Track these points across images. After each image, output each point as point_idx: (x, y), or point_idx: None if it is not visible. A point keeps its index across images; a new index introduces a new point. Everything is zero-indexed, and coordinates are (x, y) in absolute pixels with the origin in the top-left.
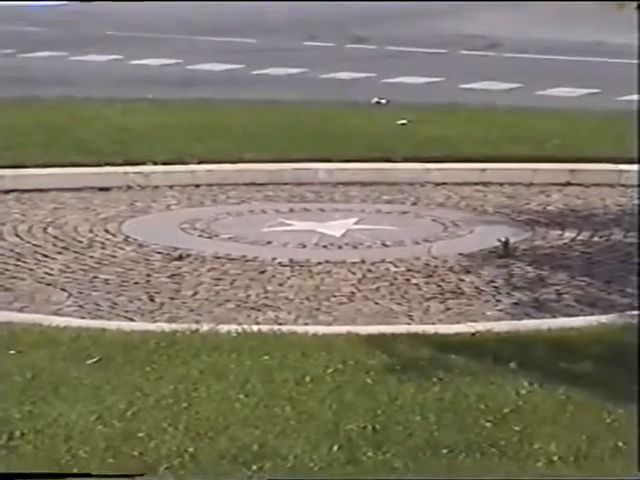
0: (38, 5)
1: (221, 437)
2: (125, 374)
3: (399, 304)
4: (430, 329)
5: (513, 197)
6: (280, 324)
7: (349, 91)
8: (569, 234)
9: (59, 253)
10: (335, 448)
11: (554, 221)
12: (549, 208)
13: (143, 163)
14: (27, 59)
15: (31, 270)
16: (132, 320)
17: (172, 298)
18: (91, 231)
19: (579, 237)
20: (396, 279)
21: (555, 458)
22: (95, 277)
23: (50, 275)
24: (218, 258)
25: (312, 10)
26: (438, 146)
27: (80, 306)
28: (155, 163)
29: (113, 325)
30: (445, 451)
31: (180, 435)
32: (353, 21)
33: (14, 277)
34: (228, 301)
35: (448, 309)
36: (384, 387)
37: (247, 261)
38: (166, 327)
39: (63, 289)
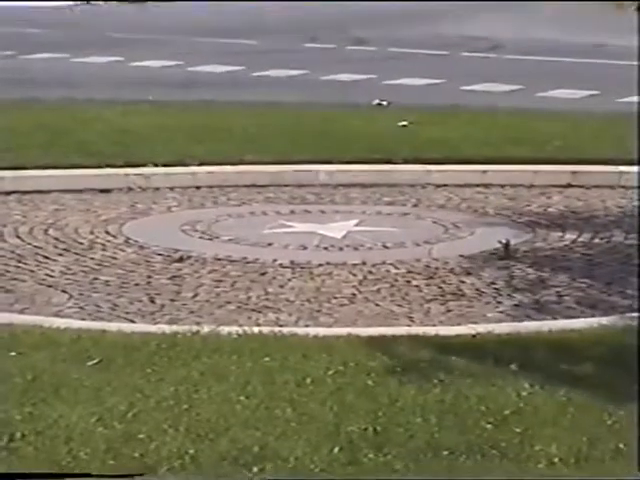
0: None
1: (222, 439)
2: (126, 376)
3: (400, 306)
4: (431, 331)
5: (514, 199)
6: (281, 326)
7: (350, 93)
8: (570, 236)
9: (60, 255)
10: (336, 450)
11: (555, 223)
12: (550, 210)
13: (144, 165)
14: (28, 60)
15: (32, 272)
16: (133, 322)
17: (173, 300)
18: (92, 233)
19: (580, 239)
20: (397, 281)
21: (556, 460)
22: (96, 279)
23: (51, 277)
24: (219, 260)
25: (313, 11)
26: (439, 148)
27: (81, 308)
28: (156, 165)
29: (114, 327)
30: (446, 453)
31: (181, 437)
32: (354, 22)
33: (15, 279)
34: (229, 303)
35: (449, 311)
36: (385, 389)
37: (248, 263)
38: (167, 329)
39: (64, 291)
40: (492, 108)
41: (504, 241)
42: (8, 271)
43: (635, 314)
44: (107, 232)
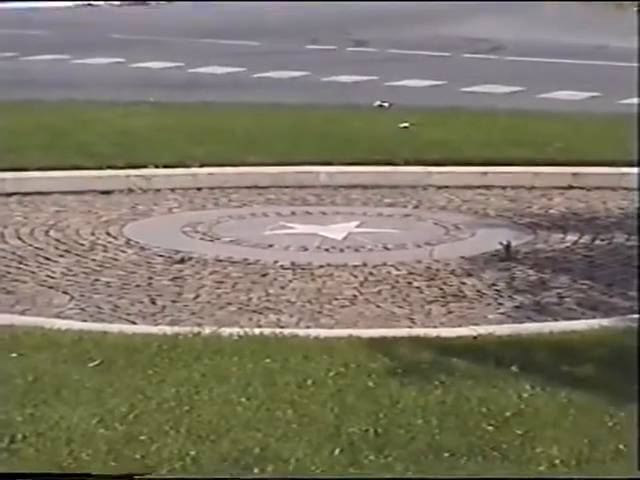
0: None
1: (223, 440)
2: (127, 377)
3: (401, 307)
4: (432, 332)
5: (515, 200)
6: (282, 327)
7: (351, 94)
8: (571, 237)
9: (61, 256)
10: (337, 451)
11: (556, 224)
12: (551, 211)
13: (145, 166)
14: (29, 62)
15: (33, 273)
16: (134, 323)
17: (174, 301)
18: (93, 234)
19: (581, 240)
20: (398, 282)
21: (557, 461)
22: (97, 280)
23: (52, 278)
24: (220, 261)
25: (314, 12)
26: (440, 149)
27: (82, 309)
28: (157, 166)
29: (115, 328)
30: (447, 454)
31: (182, 438)
32: (355, 24)
33: (16, 280)
34: (230, 304)
35: (450, 312)
36: (386, 390)
37: (249, 264)
38: (168, 330)
39: (65, 292)
40: (493, 109)
41: (505, 243)
42: (9, 272)
43: (636, 315)
44: (108, 233)
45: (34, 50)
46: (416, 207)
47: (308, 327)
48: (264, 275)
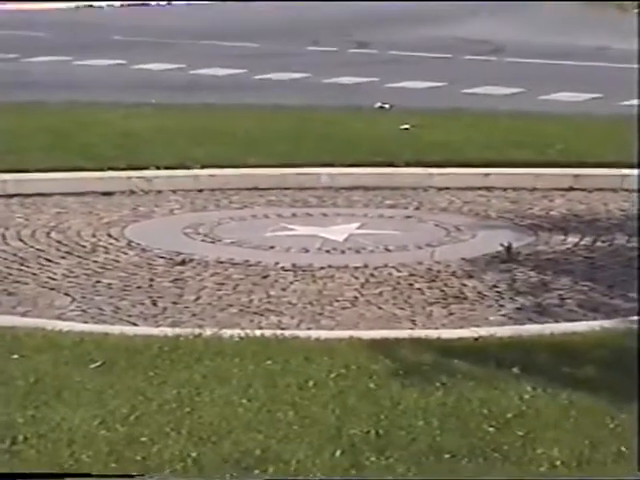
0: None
1: (224, 442)
2: (128, 378)
3: (402, 309)
4: (433, 334)
5: (516, 202)
6: (283, 329)
7: (352, 96)
8: (572, 239)
9: (62, 258)
10: (338, 453)
11: (557, 226)
12: (552, 213)
13: (146, 168)
14: (30, 63)
15: (34, 274)
16: (135, 325)
17: (175, 303)
18: (94, 236)
19: (582, 242)
20: (399, 284)
21: (558, 463)
22: (98, 282)
23: (53, 279)
24: (221, 263)
25: (314, 14)
26: (441, 151)
27: (83, 310)
28: (158, 168)
29: (116, 329)
30: (448, 456)
31: (183, 440)
32: (356, 25)
33: (17, 281)
34: (231, 306)
35: (451, 314)
36: (387, 392)
37: (250, 266)
38: (169, 332)
39: (66, 293)
40: (494, 111)
41: (506, 244)
42: (10, 274)
43: (636, 317)
44: (109, 235)
45: (35, 52)
46: (417, 209)
47: (309, 329)
48: (265, 277)
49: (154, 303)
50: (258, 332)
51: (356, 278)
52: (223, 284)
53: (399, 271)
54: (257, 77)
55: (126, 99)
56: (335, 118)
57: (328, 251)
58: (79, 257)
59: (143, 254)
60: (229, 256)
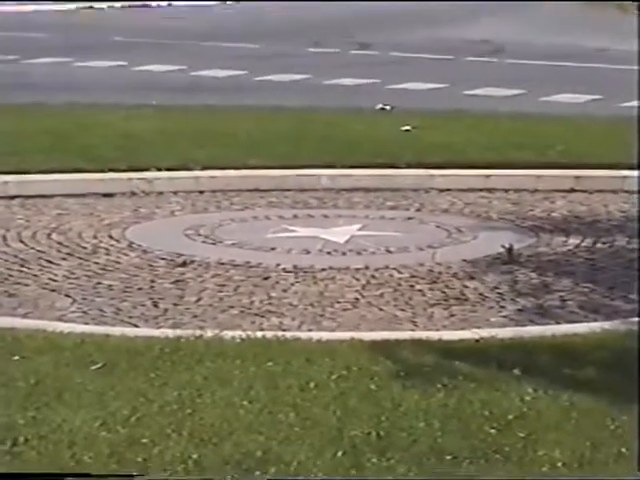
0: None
1: (225, 443)
2: (129, 380)
3: (403, 310)
4: (434, 335)
5: (517, 203)
6: (284, 330)
7: (353, 97)
8: (573, 240)
9: (63, 259)
10: (339, 454)
11: (558, 227)
12: (553, 214)
13: (147, 169)
14: (31, 65)
15: (35, 276)
16: (136, 326)
17: (176, 304)
18: (95, 237)
19: (583, 243)
20: (400, 285)
21: (559, 464)
22: (99, 283)
23: (54, 281)
24: (222, 264)
25: (316, 15)
26: (442, 152)
27: (84, 312)
28: (159, 169)
29: (117, 331)
30: (449, 457)
31: (184, 441)
32: (357, 26)
33: (18, 283)
34: (232, 307)
35: (452, 315)
36: (388, 393)
37: (251, 267)
38: (170, 333)
39: (67, 295)
40: (495, 113)
41: (507, 246)
42: (11, 275)
43: (637, 319)
44: (110, 236)
45: (36, 53)
46: (418, 210)
47: (310, 330)
48: (266, 278)
49: (155, 304)
50: (259, 333)
51: (357, 279)
52: (224, 285)
53: (400, 272)
54: (258, 78)
55: (127, 100)
56: (336, 119)
57: (329, 252)
58: (80, 258)
59: (144, 255)
60: (230, 257)
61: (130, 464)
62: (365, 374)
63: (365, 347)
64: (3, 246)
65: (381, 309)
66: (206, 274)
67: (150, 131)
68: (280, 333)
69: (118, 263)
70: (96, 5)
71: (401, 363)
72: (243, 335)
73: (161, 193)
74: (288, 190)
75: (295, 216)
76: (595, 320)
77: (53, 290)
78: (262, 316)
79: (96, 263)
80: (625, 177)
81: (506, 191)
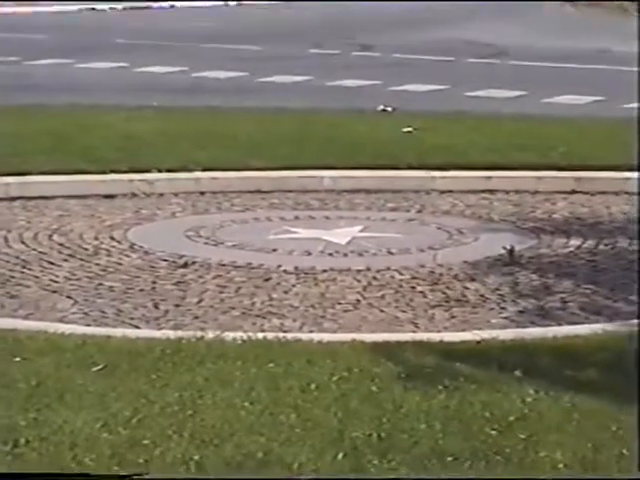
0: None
1: (226, 445)
2: (130, 381)
3: (404, 312)
4: (435, 337)
5: (518, 205)
6: (285, 331)
7: (355, 99)
8: (574, 242)
9: (64, 260)
10: (340, 456)
11: (559, 229)
12: (554, 216)
13: (148, 171)
14: (32, 66)
15: (36, 277)
16: (137, 327)
17: (177, 305)
18: (96, 238)
19: (584, 245)
20: (401, 287)
21: (561, 466)
22: (100, 284)
23: (55, 282)
24: (223, 265)
25: (317, 17)
26: (444, 154)
27: (85, 313)
28: (160, 171)
29: (118, 332)
30: (450, 459)
31: (185, 442)
32: (358, 28)
33: (19, 284)
34: (233, 308)
35: (453, 317)
36: (389, 395)
37: (252, 268)
38: (171, 334)
39: (68, 296)
40: (496, 114)
41: (508, 247)
42: (13, 277)
43: (637, 321)
44: (112, 238)
45: (37, 54)
46: (419, 211)
47: (311, 331)
48: (267, 279)
49: (156, 306)
50: (260, 335)
51: (358, 281)
52: (225, 287)
53: (401, 274)
54: (259, 80)
55: (128, 102)
56: (338, 121)
57: (330, 254)
58: (81, 260)
59: (145, 257)
60: (231, 259)
61: (131, 465)
62: (366, 375)
63: (366, 348)
64: (4, 247)
65: (382, 310)
66: (207, 275)
67: (151, 132)
68: (281, 334)
69: (119, 264)
70: (98, 6)
71: (402, 365)
72: (244, 336)
73: (162, 194)
74: (289, 191)
75: (296, 217)
76: (596, 322)
77: (54, 291)
78: (263, 317)
79: (97, 264)
80: (627, 179)
81: (507, 192)
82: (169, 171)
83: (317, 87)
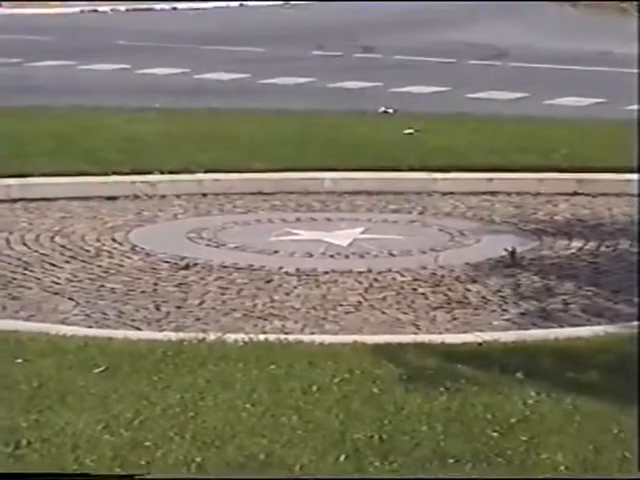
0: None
1: (228, 446)
2: (132, 383)
3: (406, 313)
4: (437, 339)
5: (520, 207)
6: (287, 333)
7: (356, 100)
8: (576, 244)
9: (66, 262)
10: (342, 458)
11: (561, 231)
12: (556, 218)
13: (150, 172)
14: (34, 68)
15: (38, 279)
16: (139, 329)
17: (179, 307)
18: (98, 240)
19: (586, 247)
20: (403, 288)
21: (562, 468)
22: (102, 286)
23: (57, 284)
24: (225, 267)
25: (320, 18)
26: (445, 155)
27: (87, 315)
28: (162, 172)
29: (120, 334)
30: (452, 461)
31: (187, 444)
32: (360, 30)
33: (21, 286)
34: (235, 310)
35: (455, 319)
36: (391, 396)
37: (254, 270)
38: (173, 336)
39: (70, 298)
40: (498, 116)
41: (510, 249)
42: (14, 278)
43: (637, 322)
44: (113, 239)
45: (39, 56)
46: (421, 213)
47: (313, 333)
48: (269, 281)
49: (158, 307)
50: (262, 337)
51: (360, 283)
52: (227, 288)
53: (403, 276)
54: (261, 82)
55: (130, 104)
56: (339, 123)
57: (332, 256)
58: (83, 261)
59: (147, 258)
60: (233, 260)
61: (133, 467)
62: (368, 377)
63: (368, 350)
64: (6, 249)
65: (384, 312)
66: (209, 277)
67: (153, 134)
68: (283, 336)
69: (121, 266)
70: (100, 8)
71: (404, 366)
72: (246, 338)
73: (164, 196)
74: (291, 193)
75: (298, 219)
76: (598, 323)
77: (56, 293)
78: (265, 319)
79: (99, 266)
80: (629, 180)
81: (509, 194)
82: (171, 173)
83: (319, 89)
